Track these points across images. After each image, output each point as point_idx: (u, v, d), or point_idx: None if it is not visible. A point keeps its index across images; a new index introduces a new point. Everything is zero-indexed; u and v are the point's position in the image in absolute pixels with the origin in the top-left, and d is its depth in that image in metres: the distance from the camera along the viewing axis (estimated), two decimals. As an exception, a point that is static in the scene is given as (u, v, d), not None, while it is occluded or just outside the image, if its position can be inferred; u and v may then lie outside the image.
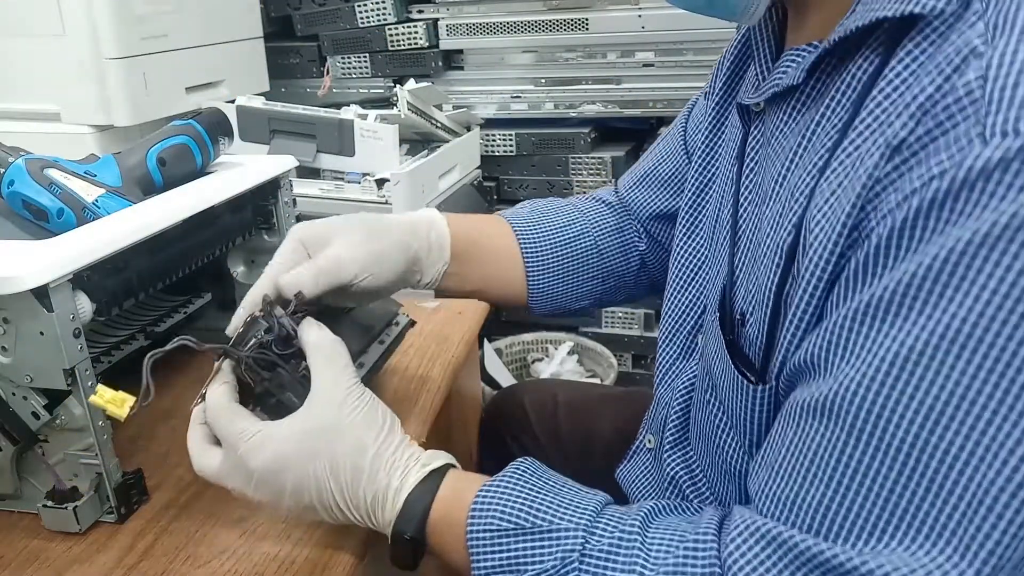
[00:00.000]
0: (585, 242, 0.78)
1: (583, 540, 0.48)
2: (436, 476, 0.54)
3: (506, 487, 0.52)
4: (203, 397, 0.56)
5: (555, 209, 0.80)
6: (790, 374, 0.47)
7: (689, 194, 0.69)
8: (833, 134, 0.45)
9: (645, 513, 0.50)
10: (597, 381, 1.72)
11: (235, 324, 0.59)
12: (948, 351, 0.37)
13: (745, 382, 0.51)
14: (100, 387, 0.55)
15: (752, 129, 0.57)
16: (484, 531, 0.51)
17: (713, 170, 0.67)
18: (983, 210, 0.36)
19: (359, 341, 0.67)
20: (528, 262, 0.75)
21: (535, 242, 0.76)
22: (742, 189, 0.57)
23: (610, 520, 0.49)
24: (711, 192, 0.67)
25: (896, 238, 0.39)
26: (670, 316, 0.69)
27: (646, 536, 0.48)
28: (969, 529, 0.37)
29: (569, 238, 0.77)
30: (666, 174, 0.77)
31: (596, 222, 0.79)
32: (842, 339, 0.41)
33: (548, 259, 0.76)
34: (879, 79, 0.43)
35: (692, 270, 0.67)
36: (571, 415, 0.93)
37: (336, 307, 0.65)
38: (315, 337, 0.55)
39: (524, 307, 0.78)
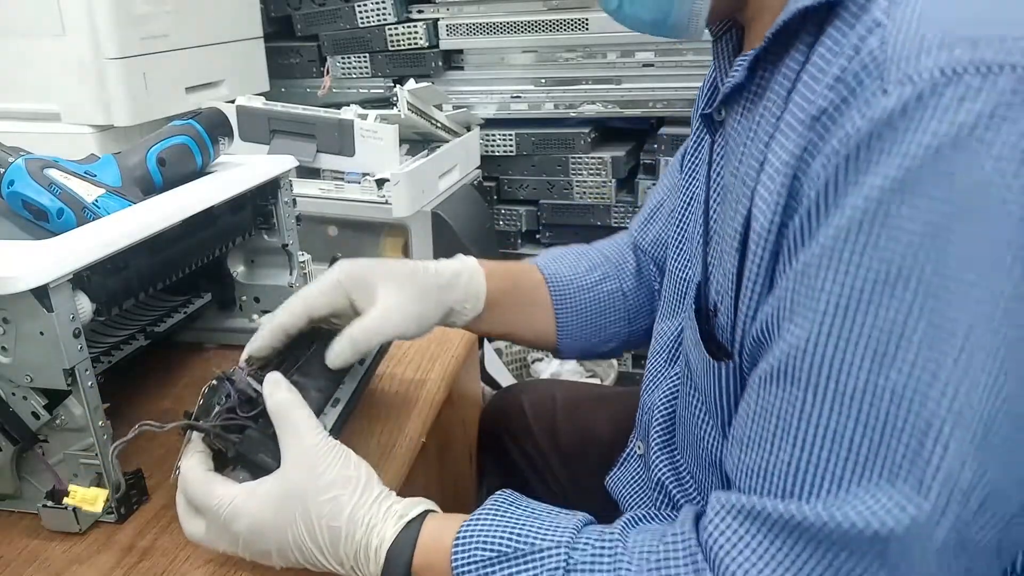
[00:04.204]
0: (609, 286, 0.79)
1: (566, 556, 0.49)
2: (415, 525, 0.53)
3: (486, 519, 0.53)
4: (179, 469, 0.56)
5: (581, 255, 0.81)
6: (751, 349, 0.48)
7: (674, 217, 0.70)
8: (774, 121, 0.47)
9: (625, 522, 0.51)
10: (597, 381, 1.72)
11: (258, 343, 0.61)
12: (881, 292, 0.39)
13: (713, 361, 0.53)
14: (72, 487, 0.57)
15: (717, 136, 0.59)
16: (470, 563, 0.51)
17: (694, 191, 0.68)
18: (889, 156, 0.38)
19: (333, 374, 0.63)
20: (558, 309, 0.77)
21: (563, 290, 0.77)
22: (711, 193, 0.59)
23: (591, 534, 0.50)
24: (691, 209, 0.68)
25: (824, 197, 0.41)
26: (660, 337, 0.70)
27: (626, 541, 0.48)
28: (918, 463, 0.39)
29: (593, 282, 0.78)
30: (672, 207, 0.77)
31: (619, 265, 0.80)
32: (787, 302, 0.43)
33: (575, 306, 0.77)
34: (807, 64, 0.45)
35: (682, 290, 0.68)
36: (570, 415, 0.93)
37: (303, 342, 0.63)
38: (274, 402, 0.55)
39: (555, 351, 0.79)
